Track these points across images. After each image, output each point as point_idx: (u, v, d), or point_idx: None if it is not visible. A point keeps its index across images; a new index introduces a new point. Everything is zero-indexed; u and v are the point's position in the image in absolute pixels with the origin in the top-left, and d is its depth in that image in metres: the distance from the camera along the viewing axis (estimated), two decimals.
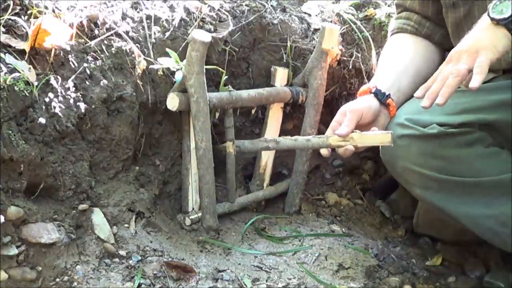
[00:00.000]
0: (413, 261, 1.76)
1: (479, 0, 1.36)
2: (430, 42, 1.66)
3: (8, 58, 1.32)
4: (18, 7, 1.42)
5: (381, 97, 1.53)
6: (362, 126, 1.48)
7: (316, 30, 1.99)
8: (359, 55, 1.97)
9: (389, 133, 1.41)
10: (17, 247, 1.27)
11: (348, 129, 1.44)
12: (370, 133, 1.44)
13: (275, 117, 1.92)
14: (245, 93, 1.80)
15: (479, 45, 1.27)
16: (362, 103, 1.51)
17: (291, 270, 1.59)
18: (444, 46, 1.64)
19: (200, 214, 1.72)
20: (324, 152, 1.53)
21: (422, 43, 1.65)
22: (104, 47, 1.56)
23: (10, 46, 1.36)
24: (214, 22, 1.81)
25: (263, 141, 1.68)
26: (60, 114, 1.40)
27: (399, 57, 1.65)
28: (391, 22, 1.79)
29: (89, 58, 1.52)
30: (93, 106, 1.50)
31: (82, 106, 1.47)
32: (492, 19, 1.28)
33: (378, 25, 2.01)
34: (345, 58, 1.98)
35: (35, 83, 1.35)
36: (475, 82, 1.24)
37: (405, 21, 1.69)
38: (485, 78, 1.47)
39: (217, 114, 1.77)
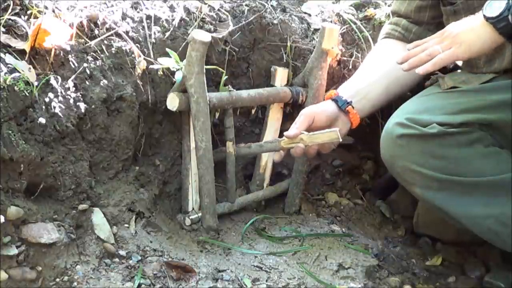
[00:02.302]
0: (413, 261, 1.76)
1: (480, 6, 1.37)
2: None
3: (8, 58, 1.32)
4: (18, 7, 1.42)
5: (341, 104, 1.63)
6: (316, 130, 1.57)
7: (316, 30, 1.99)
8: (359, 55, 1.97)
9: (335, 130, 1.52)
10: (17, 247, 1.27)
11: (297, 131, 1.56)
12: (318, 132, 1.54)
13: (275, 117, 1.92)
14: (245, 93, 1.80)
15: (461, 38, 1.35)
16: (318, 108, 1.63)
17: (291, 270, 1.59)
18: None
19: (200, 214, 1.72)
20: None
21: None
22: (104, 47, 1.56)
23: (10, 46, 1.36)
24: (214, 22, 1.81)
25: (219, 152, 1.77)
26: (60, 114, 1.40)
27: (379, 64, 1.70)
28: (383, 26, 1.81)
29: (89, 58, 1.52)
30: (93, 106, 1.50)
31: (82, 106, 1.47)
32: (483, 16, 1.31)
33: (378, 25, 2.00)
34: (345, 58, 1.97)
35: (35, 83, 1.35)
36: (422, 69, 1.37)
37: (393, 27, 1.74)
38: (484, 78, 1.49)
39: (217, 114, 1.77)
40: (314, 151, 1.60)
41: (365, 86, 1.66)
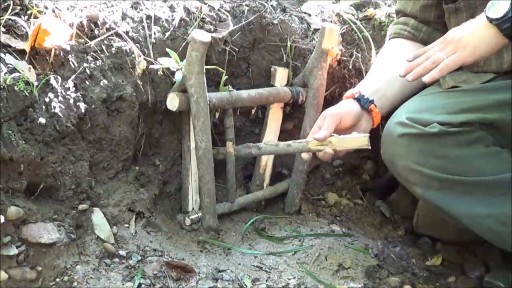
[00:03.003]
0: (413, 261, 1.76)
1: (482, 5, 1.37)
2: None
3: (8, 58, 1.32)
4: (18, 7, 1.42)
5: (364, 102, 1.58)
6: (342, 130, 1.53)
7: (316, 30, 1.99)
8: (359, 55, 1.97)
9: (366, 136, 1.46)
10: (17, 247, 1.27)
11: (326, 133, 1.49)
12: (348, 137, 1.49)
13: (275, 117, 1.92)
14: (245, 93, 1.80)
15: (465, 42, 1.32)
16: (342, 108, 1.56)
17: (291, 270, 1.59)
18: None
19: (200, 214, 1.72)
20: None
21: (420, 48, 1.63)
22: (104, 47, 1.56)
23: (10, 46, 1.36)
24: (214, 22, 1.81)
25: (246, 147, 1.75)
26: (60, 114, 1.40)
27: (391, 63, 1.67)
28: (389, 27, 1.80)
29: (89, 58, 1.52)
30: (93, 106, 1.50)
31: (82, 106, 1.47)
32: (486, 17, 1.29)
33: (378, 25, 2.01)
34: (345, 58, 1.97)
35: (35, 83, 1.35)
36: (428, 77, 1.34)
37: (402, 26, 1.71)
38: (485, 78, 1.49)
39: (217, 114, 1.77)
40: (343, 153, 1.55)
41: (382, 85, 1.62)
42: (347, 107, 1.57)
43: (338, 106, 1.59)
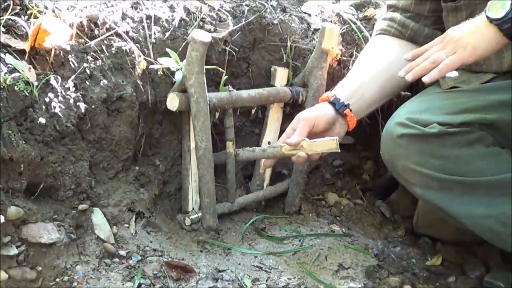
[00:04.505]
0: (413, 261, 1.76)
1: (481, 4, 1.37)
2: (415, 45, 1.63)
3: (8, 58, 1.32)
4: (18, 7, 1.42)
5: (339, 106, 1.57)
6: (315, 134, 1.53)
7: (316, 30, 1.99)
8: (359, 55, 1.96)
9: (335, 139, 1.48)
10: (17, 247, 1.27)
11: (299, 138, 1.50)
12: (318, 141, 1.50)
13: (275, 117, 1.92)
14: (245, 93, 1.80)
15: (465, 41, 1.32)
16: (316, 112, 1.56)
17: (291, 270, 1.59)
18: None
19: (200, 214, 1.72)
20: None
21: (406, 48, 1.62)
22: (104, 47, 1.56)
23: (10, 46, 1.36)
24: (214, 22, 1.81)
25: (224, 154, 1.77)
26: (60, 114, 1.40)
27: (374, 62, 1.65)
28: (376, 22, 1.78)
29: (89, 58, 1.52)
30: (93, 106, 1.50)
31: (82, 106, 1.47)
32: (487, 17, 1.29)
33: None
34: (345, 58, 1.97)
35: (35, 83, 1.35)
36: (428, 77, 1.32)
37: (388, 23, 1.69)
38: (485, 78, 1.48)
39: (217, 114, 1.77)
40: (317, 156, 1.56)
41: (361, 86, 1.61)
42: (321, 111, 1.56)
43: (312, 110, 1.59)
